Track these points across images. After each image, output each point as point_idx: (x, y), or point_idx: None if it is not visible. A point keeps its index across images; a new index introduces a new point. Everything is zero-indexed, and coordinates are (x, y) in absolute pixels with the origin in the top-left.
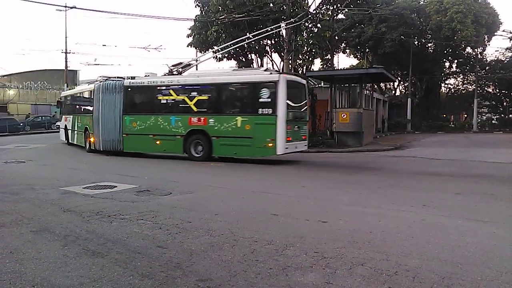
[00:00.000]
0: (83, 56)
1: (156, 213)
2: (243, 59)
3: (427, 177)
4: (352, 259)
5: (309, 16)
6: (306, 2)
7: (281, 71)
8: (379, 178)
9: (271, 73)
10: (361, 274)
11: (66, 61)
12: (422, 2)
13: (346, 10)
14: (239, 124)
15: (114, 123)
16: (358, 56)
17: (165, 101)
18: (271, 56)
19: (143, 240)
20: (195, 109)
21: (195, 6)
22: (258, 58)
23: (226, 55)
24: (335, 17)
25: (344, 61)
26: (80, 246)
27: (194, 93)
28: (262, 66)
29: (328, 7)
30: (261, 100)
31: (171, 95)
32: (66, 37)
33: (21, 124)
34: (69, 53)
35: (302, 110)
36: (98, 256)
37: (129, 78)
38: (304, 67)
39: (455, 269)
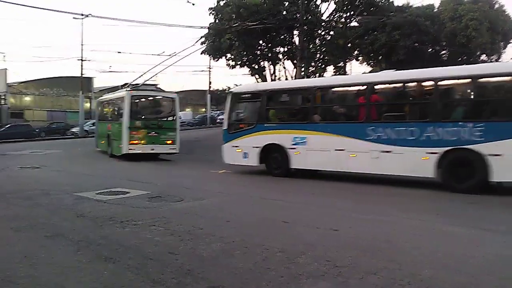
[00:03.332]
0: (98, 63)
1: (168, 219)
2: (256, 67)
3: (440, 186)
4: (364, 268)
5: (322, 23)
6: (319, 9)
7: (131, 89)
8: (390, 186)
9: (126, 91)
10: (374, 284)
11: (81, 69)
12: (436, 9)
13: (359, 17)
14: (112, 129)
15: None
16: (372, 63)
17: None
18: (283, 64)
19: (155, 246)
20: None
21: (209, 14)
22: (270, 66)
23: (239, 62)
24: (348, 25)
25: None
26: (93, 252)
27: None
28: (274, 73)
29: (341, 14)
30: (120, 111)
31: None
32: (82, 45)
33: (37, 130)
34: (85, 60)
35: (165, 119)
36: (110, 262)
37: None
38: (317, 74)
39: (469, 279)
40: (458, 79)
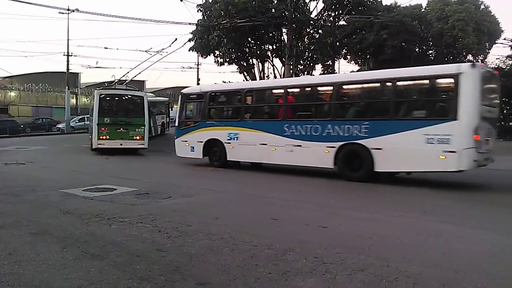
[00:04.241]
0: (85, 59)
1: (156, 217)
2: (244, 64)
3: (427, 183)
4: (352, 265)
5: (311, 22)
6: (308, 8)
7: (101, 88)
8: (378, 184)
9: (96, 90)
10: (361, 280)
11: (68, 64)
12: (423, 10)
13: (348, 16)
14: (89, 125)
15: None
16: (359, 62)
17: None
18: (272, 61)
19: (142, 243)
20: None
21: (198, 11)
22: (259, 63)
23: (227, 59)
24: (337, 24)
25: (345, 67)
26: (79, 249)
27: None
28: (263, 71)
29: (329, 13)
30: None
31: None
32: (68, 40)
33: (22, 126)
34: (71, 55)
35: (133, 116)
36: (97, 259)
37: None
38: (305, 73)
39: (456, 276)
40: (350, 84)
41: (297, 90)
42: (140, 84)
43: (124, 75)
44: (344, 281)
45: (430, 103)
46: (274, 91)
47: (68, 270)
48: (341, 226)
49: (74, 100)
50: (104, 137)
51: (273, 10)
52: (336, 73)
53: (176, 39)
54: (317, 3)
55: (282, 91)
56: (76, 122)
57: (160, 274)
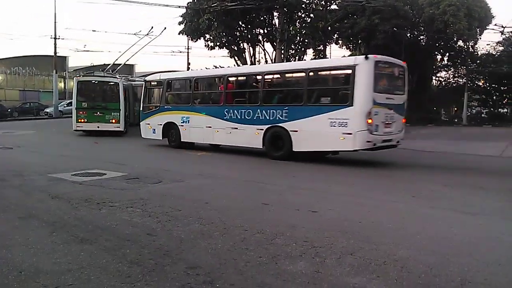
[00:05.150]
0: (72, 42)
1: (146, 201)
2: (235, 48)
3: (417, 169)
4: (341, 249)
5: (302, 5)
6: None
7: (79, 75)
8: (369, 169)
9: (75, 77)
10: (350, 264)
11: (55, 47)
12: None
13: (339, 0)
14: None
15: None
16: (351, 47)
17: None
18: (263, 46)
19: (132, 228)
20: None
21: None
22: (250, 48)
23: (218, 43)
24: (328, 8)
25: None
26: (68, 233)
27: None
28: (254, 56)
29: None
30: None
31: None
32: (55, 22)
33: (9, 110)
34: (58, 39)
35: (110, 102)
36: (86, 243)
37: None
38: (297, 57)
39: (442, 260)
40: (274, 74)
41: (234, 78)
42: (129, 69)
43: (115, 61)
44: (334, 264)
45: (334, 91)
46: (216, 79)
47: (57, 254)
48: (331, 210)
49: (62, 84)
50: (82, 120)
51: None
52: (328, 58)
53: (165, 28)
54: None
55: (223, 79)
56: (64, 107)
57: (150, 258)
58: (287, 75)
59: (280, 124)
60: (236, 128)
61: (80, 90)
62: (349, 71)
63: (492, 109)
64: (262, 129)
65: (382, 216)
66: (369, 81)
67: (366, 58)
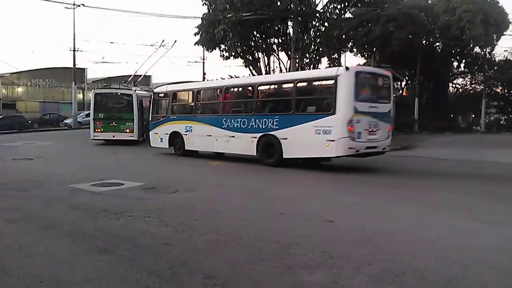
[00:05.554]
0: (91, 54)
1: (163, 211)
2: (250, 58)
3: (435, 177)
4: (358, 259)
5: (317, 14)
6: (313, 0)
7: (96, 88)
8: (386, 178)
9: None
10: (368, 274)
11: (74, 59)
12: (430, 1)
13: (354, 9)
14: None
15: None
16: (366, 55)
17: None
18: (278, 55)
19: (149, 238)
20: None
21: (203, 5)
22: (265, 57)
23: (233, 53)
24: (343, 16)
25: (351, 60)
26: (87, 243)
27: None
28: (269, 65)
29: (335, 5)
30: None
31: None
32: (74, 35)
33: (30, 121)
34: (77, 51)
35: (124, 113)
36: (105, 253)
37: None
38: (312, 66)
39: (462, 270)
40: (265, 85)
41: (231, 89)
42: (146, 79)
43: (134, 74)
44: (351, 275)
45: (319, 100)
46: (215, 90)
47: (77, 264)
48: (347, 220)
49: (80, 95)
50: (99, 130)
51: (278, 3)
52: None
53: (176, 41)
54: None
55: (221, 90)
56: (83, 118)
57: (167, 268)
58: (277, 86)
59: (271, 132)
60: (233, 137)
61: (97, 102)
62: (332, 82)
63: (510, 115)
64: (256, 137)
65: (400, 226)
66: (350, 91)
67: (347, 69)
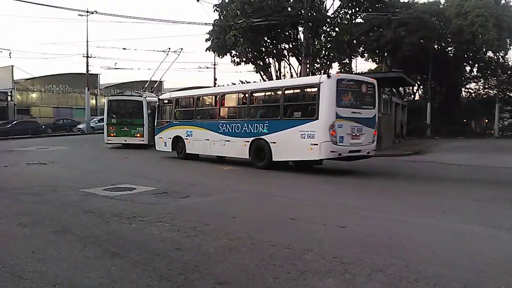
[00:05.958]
0: (103, 60)
1: (175, 216)
2: (261, 63)
3: (447, 183)
4: (371, 265)
5: (327, 20)
6: (324, 6)
7: (110, 95)
8: (398, 183)
9: (105, 97)
10: (381, 281)
11: (87, 65)
12: (441, 6)
13: (365, 14)
14: None
15: None
16: (377, 60)
17: None
18: (288, 60)
19: (161, 242)
20: None
21: (214, 11)
22: (275, 62)
23: (244, 59)
24: (354, 21)
25: (362, 65)
26: (100, 247)
27: None
28: (280, 70)
29: (346, 11)
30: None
31: None
32: (87, 42)
33: (43, 126)
34: (90, 57)
35: (135, 118)
36: (117, 257)
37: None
38: (322, 71)
39: (477, 277)
40: (257, 92)
41: (227, 96)
42: (158, 85)
43: (150, 80)
44: (364, 281)
45: (304, 106)
46: (213, 97)
47: (89, 268)
48: (359, 225)
49: (93, 101)
50: (112, 135)
51: (289, 9)
52: (353, 71)
53: (181, 49)
54: (333, 0)
55: (217, 97)
56: (96, 123)
57: (179, 273)
58: (267, 93)
59: (262, 137)
60: (229, 141)
61: (110, 108)
62: (316, 89)
63: None
64: (249, 141)
65: (412, 232)
66: (332, 97)
67: (329, 76)
